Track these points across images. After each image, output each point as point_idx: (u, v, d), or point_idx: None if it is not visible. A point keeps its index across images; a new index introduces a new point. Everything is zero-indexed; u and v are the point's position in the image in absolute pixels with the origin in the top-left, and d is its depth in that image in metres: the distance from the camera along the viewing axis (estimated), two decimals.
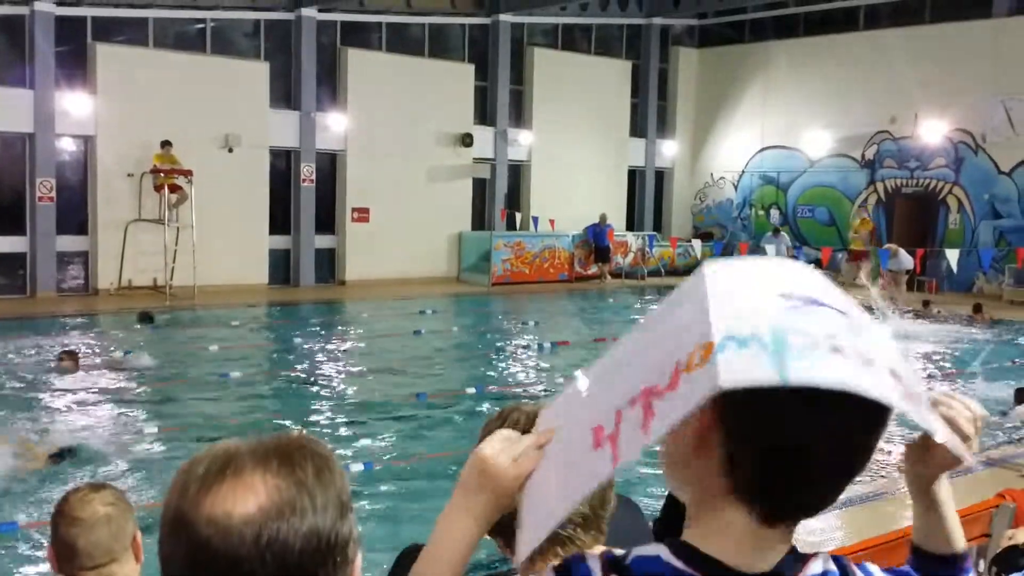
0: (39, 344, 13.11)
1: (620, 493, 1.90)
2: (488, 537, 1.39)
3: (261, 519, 1.09)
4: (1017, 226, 22.40)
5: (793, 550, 1.20)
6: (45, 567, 5.03)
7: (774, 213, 26.68)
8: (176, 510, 1.12)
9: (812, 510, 1.17)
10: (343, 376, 12.33)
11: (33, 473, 7.72)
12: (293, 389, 11.55)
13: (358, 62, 21.88)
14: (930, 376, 12.97)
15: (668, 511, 1.76)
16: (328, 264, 22.14)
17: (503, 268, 23.06)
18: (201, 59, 19.88)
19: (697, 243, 24.75)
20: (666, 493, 1.74)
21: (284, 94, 21.15)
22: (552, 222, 24.04)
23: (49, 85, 18.02)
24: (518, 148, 24.90)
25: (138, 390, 10.86)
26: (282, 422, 9.86)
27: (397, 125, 22.11)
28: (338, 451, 8.44)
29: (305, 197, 21.37)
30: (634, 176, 27.80)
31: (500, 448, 1.30)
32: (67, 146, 18.88)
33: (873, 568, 1.31)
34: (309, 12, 20.84)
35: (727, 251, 25.46)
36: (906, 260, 19.62)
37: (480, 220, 24.60)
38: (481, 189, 24.59)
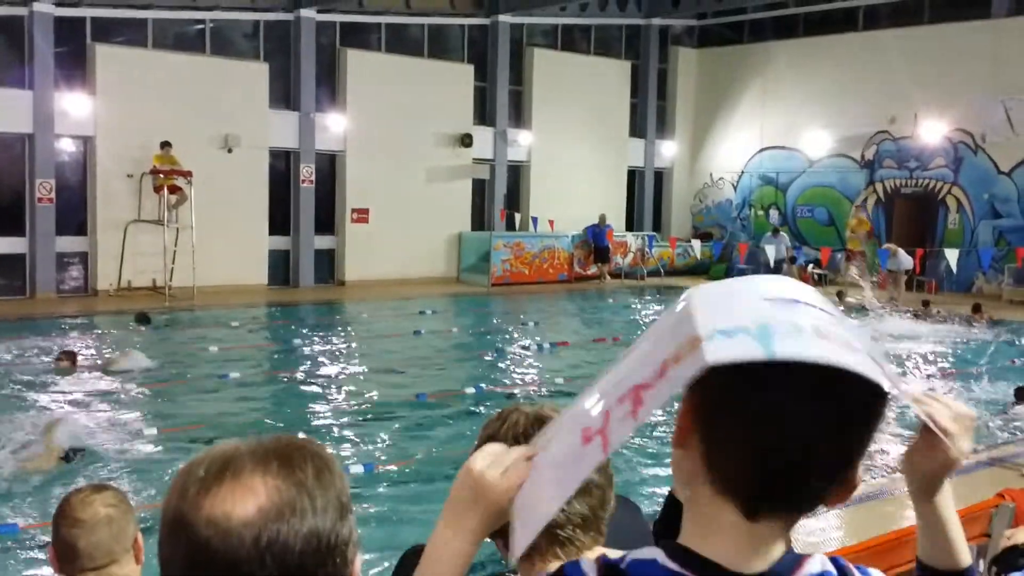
0: (39, 345, 13.09)
1: (620, 494, 1.90)
2: (488, 540, 1.39)
3: (261, 521, 1.09)
4: (1017, 226, 22.40)
5: (791, 551, 1.19)
6: (48, 570, 5.05)
7: (773, 213, 26.67)
8: (175, 512, 1.12)
9: (793, 504, 1.16)
10: (343, 377, 12.33)
11: (34, 473, 7.72)
12: (293, 390, 11.54)
13: (357, 63, 21.88)
14: (929, 376, 12.97)
15: (668, 511, 1.76)
16: (328, 265, 22.14)
17: (502, 268, 23.06)
18: (200, 60, 19.88)
19: (696, 243, 24.76)
20: (666, 493, 1.74)
21: (283, 95, 21.15)
22: (551, 222, 24.05)
23: (48, 86, 18.02)
24: (517, 148, 24.90)
25: (137, 391, 10.85)
26: (282, 423, 9.86)
27: (396, 126, 22.11)
28: (338, 452, 8.44)
29: (304, 198, 21.37)
30: (633, 176, 27.80)
31: (488, 463, 1.31)
32: (66, 147, 18.88)
33: (875, 573, 1.29)
34: (308, 13, 20.84)
35: (726, 251, 25.48)
36: (905, 260, 19.62)
37: (479, 220, 24.60)
38: (480, 189, 24.59)
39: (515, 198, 25.30)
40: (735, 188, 27.77)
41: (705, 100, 28.24)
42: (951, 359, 14.38)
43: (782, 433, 1.10)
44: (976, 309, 17.94)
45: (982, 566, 3.87)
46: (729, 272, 25.00)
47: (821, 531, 6.08)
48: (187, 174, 18.49)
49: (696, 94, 28.42)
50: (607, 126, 26.35)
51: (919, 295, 20.60)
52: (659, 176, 28.53)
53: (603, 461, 1.19)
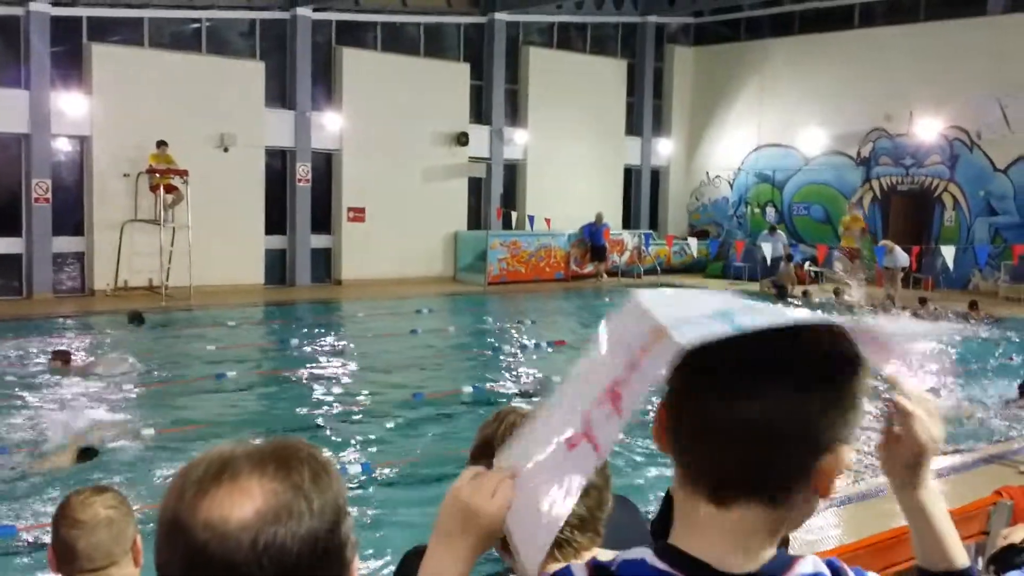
0: (35, 346, 13.07)
1: (617, 493, 1.90)
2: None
3: (258, 524, 1.09)
4: (1013, 223, 22.43)
5: (783, 551, 1.19)
6: (46, 572, 5.02)
7: (770, 211, 26.70)
8: (173, 515, 1.12)
9: (757, 488, 1.15)
10: (339, 376, 12.32)
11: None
12: (289, 389, 11.52)
13: (353, 61, 21.87)
14: (926, 373, 12.99)
15: (665, 511, 1.76)
16: (324, 264, 22.13)
17: (499, 267, 23.05)
18: (196, 59, 19.86)
19: (693, 241, 24.76)
20: (663, 493, 1.74)
21: (279, 94, 21.13)
22: (548, 221, 24.05)
23: (45, 85, 17.99)
24: (514, 147, 24.89)
25: (134, 391, 10.84)
26: (279, 422, 9.85)
27: (393, 124, 22.09)
28: (335, 451, 8.44)
29: (301, 197, 21.36)
30: (630, 175, 27.80)
31: (475, 487, 1.31)
32: (63, 147, 18.85)
33: None
34: (304, 11, 20.82)
35: (723, 249, 25.49)
36: (902, 257, 19.63)
37: (476, 219, 24.59)
38: (477, 188, 24.58)
39: (511, 197, 25.29)
40: (731, 186, 27.77)
41: (701, 98, 28.24)
42: (947, 356, 14.38)
43: (736, 416, 1.11)
44: (972, 306, 17.97)
45: (980, 564, 3.87)
46: (726, 270, 25.03)
47: (820, 529, 6.09)
48: (183, 173, 18.46)
49: (692, 92, 28.42)
50: (603, 124, 26.35)
51: (915, 292, 20.62)
52: (655, 174, 28.52)
53: (600, 463, 1.20)
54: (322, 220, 21.92)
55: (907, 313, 17.76)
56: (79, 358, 12.14)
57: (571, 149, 25.46)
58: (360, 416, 10.14)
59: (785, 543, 1.23)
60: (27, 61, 17.93)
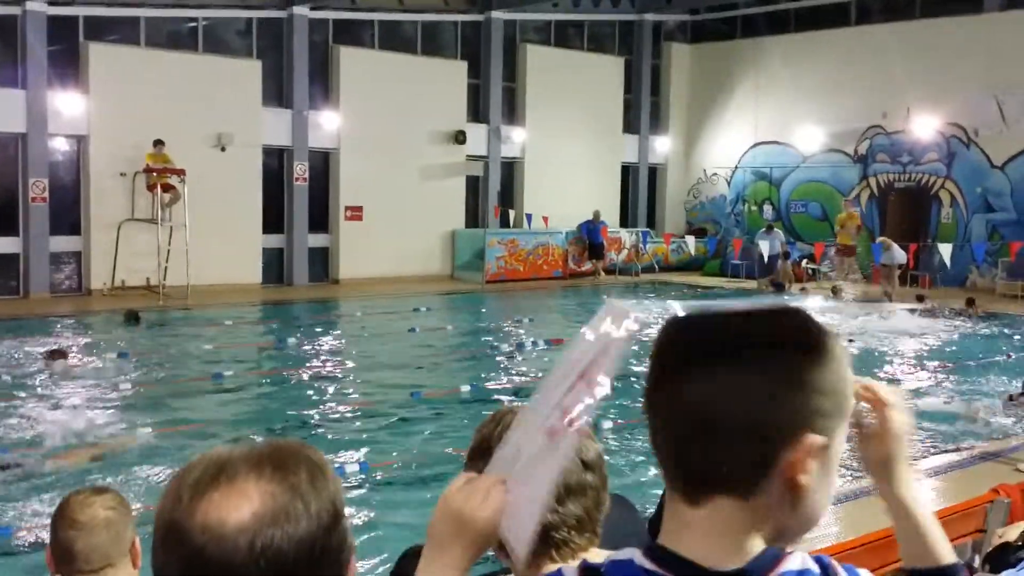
0: (32, 345, 13.05)
1: (615, 493, 1.90)
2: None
3: (255, 526, 1.09)
4: (1010, 220, 22.44)
5: (771, 548, 1.17)
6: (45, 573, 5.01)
7: (767, 209, 26.70)
8: (170, 518, 1.12)
9: (715, 482, 1.14)
10: (337, 375, 12.32)
11: (32, 474, 7.70)
12: (287, 389, 11.51)
13: (350, 60, 21.85)
14: (924, 370, 13.00)
15: (661, 510, 1.76)
16: (322, 263, 22.12)
17: (497, 266, 23.04)
18: (193, 58, 19.84)
19: (691, 239, 24.78)
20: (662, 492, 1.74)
21: (276, 92, 21.12)
22: (546, 219, 24.05)
23: (41, 85, 17.98)
24: (511, 145, 24.89)
25: (131, 391, 10.83)
26: (276, 422, 9.85)
27: (390, 123, 22.08)
28: (332, 451, 8.43)
29: (298, 196, 21.35)
30: (627, 173, 27.80)
31: (466, 493, 1.31)
32: (60, 146, 18.83)
33: (865, 573, 1.28)
34: (301, 10, 20.80)
35: (721, 247, 25.49)
36: (899, 254, 19.65)
37: (474, 218, 24.59)
38: (474, 186, 24.57)
39: (509, 195, 25.28)
40: (729, 184, 27.78)
41: (699, 96, 28.24)
42: (945, 353, 14.39)
43: (680, 400, 1.13)
44: (970, 303, 17.99)
45: (977, 561, 3.88)
46: (724, 268, 25.02)
47: (817, 526, 6.08)
48: (180, 172, 18.44)
49: (690, 90, 28.42)
50: (601, 122, 26.34)
51: (913, 290, 20.64)
52: (653, 172, 28.52)
53: (576, 442, 1.25)
54: (319, 219, 21.91)
55: (905, 311, 17.78)
56: (75, 357, 12.12)
57: (569, 147, 25.45)
58: (358, 415, 10.12)
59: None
60: (24, 60, 17.92)
